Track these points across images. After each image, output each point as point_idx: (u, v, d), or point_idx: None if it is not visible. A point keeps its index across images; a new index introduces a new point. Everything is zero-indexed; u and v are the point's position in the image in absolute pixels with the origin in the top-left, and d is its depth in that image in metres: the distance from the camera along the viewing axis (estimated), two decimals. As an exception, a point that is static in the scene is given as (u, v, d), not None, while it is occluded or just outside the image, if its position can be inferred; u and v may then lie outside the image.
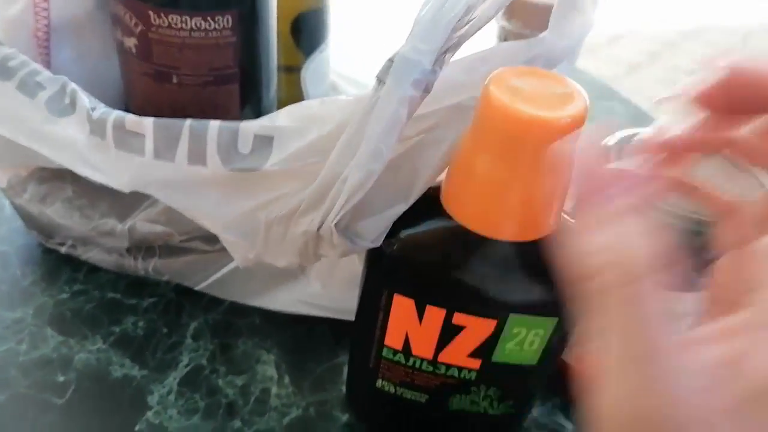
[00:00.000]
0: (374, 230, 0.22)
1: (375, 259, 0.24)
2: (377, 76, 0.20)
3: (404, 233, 0.23)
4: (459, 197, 0.22)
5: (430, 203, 0.23)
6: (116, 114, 0.25)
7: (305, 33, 0.40)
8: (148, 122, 0.25)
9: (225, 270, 0.31)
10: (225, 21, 0.29)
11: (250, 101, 0.32)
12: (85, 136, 0.26)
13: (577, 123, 0.19)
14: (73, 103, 0.27)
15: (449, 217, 0.22)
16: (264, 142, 0.24)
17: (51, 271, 0.36)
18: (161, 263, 0.33)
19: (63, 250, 0.35)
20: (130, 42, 0.29)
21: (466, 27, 0.20)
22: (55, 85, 0.27)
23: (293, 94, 0.40)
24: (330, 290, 0.30)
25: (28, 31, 0.30)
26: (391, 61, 0.20)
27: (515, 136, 0.19)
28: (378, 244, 0.23)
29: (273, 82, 0.34)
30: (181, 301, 0.35)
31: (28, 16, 0.31)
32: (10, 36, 0.30)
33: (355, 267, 0.29)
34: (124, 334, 0.33)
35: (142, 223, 0.30)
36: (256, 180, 0.24)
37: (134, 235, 0.31)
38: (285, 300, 0.31)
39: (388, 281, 0.23)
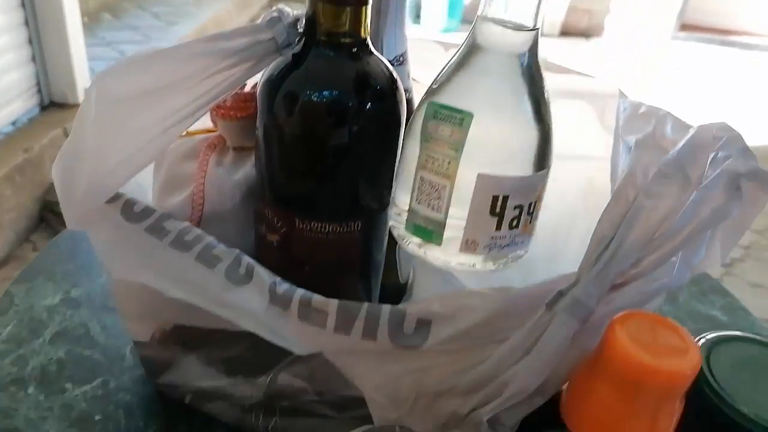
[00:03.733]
0: (513, 419, 0.26)
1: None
2: (546, 304, 0.24)
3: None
4: (578, 412, 0.25)
5: (548, 407, 0.26)
6: (302, 292, 0.29)
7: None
8: (333, 303, 0.28)
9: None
10: (355, 225, 0.34)
11: (364, 282, 0.37)
12: (265, 304, 0.29)
13: (693, 374, 0.22)
14: (249, 274, 0.30)
15: (564, 427, 0.25)
16: (424, 325, 0.28)
17: (169, 422, 0.38)
18: (281, 423, 0.35)
19: (186, 400, 0.39)
20: (273, 237, 0.35)
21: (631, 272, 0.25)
22: (230, 257, 0.31)
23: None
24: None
25: (185, 218, 0.36)
26: (561, 293, 0.24)
27: (636, 381, 0.23)
28: (514, 430, 0.26)
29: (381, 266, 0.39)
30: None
31: (186, 205, 0.37)
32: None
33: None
34: (237, 494, 0.36)
35: (284, 375, 0.33)
36: (408, 355, 0.28)
37: (272, 387, 0.34)
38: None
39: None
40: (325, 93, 0.32)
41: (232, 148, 0.38)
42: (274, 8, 0.34)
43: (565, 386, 0.26)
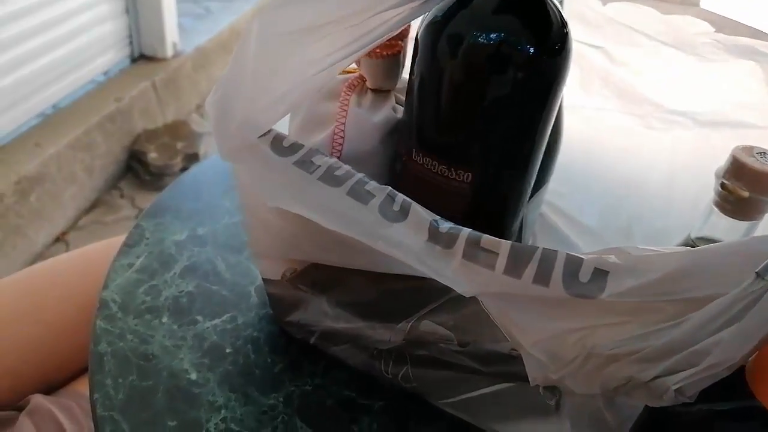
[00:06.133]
0: (696, 388, 0.24)
1: (664, 423, 0.26)
2: (757, 272, 0.23)
3: (701, 405, 0.25)
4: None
5: (732, 376, 0.25)
6: (469, 231, 0.28)
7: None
8: (506, 244, 0.27)
9: (479, 392, 0.34)
10: (466, 176, 0.33)
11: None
12: (422, 242, 0.28)
13: None
14: (405, 211, 0.29)
15: (753, 397, 0.24)
16: (600, 275, 0.26)
17: (294, 361, 0.39)
18: (414, 372, 0.35)
19: (311, 340, 0.39)
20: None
21: None
22: (383, 194, 0.30)
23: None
24: (578, 430, 0.32)
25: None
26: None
27: None
28: (694, 399, 0.25)
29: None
30: (407, 408, 0.38)
31: (327, 144, 0.36)
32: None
33: (600, 410, 0.31)
34: (366, 434, 0.36)
35: (427, 322, 0.33)
36: (579, 307, 0.26)
37: (413, 333, 0.33)
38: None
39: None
40: (492, 36, 0.30)
41: (371, 90, 0.37)
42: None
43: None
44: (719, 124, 0.41)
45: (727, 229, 0.35)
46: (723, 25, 0.37)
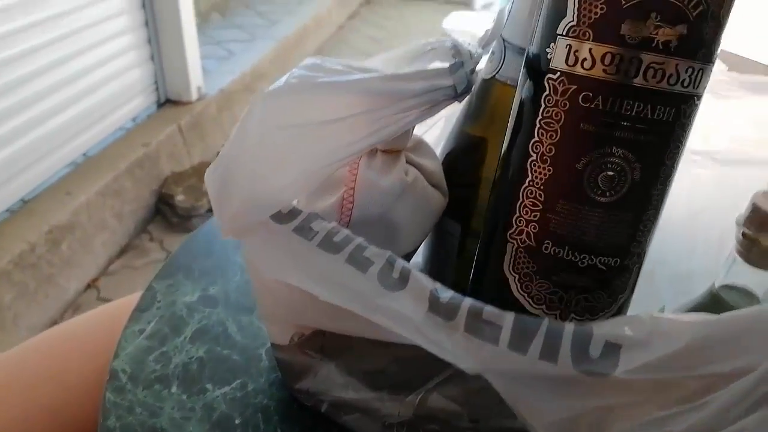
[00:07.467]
0: None
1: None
2: None
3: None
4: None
5: None
6: (471, 302, 0.27)
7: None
8: (509, 316, 0.26)
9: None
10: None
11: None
12: (422, 312, 0.27)
13: None
14: (404, 279, 0.28)
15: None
16: (612, 349, 0.25)
17: (305, 430, 0.39)
18: (427, 443, 0.34)
19: (322, 409, 0.38)
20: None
21: None
22: (382, 260, 0.29)
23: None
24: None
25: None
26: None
27: None
28: None
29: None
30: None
31: (336, 210, 0.36)
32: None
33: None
34: None
35: (437, 397, 0.32)
36: (592, 384, 0.25)
37: (422, 407, 0.32)
38: None
39: None
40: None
41: (381, 151, 0.37)
42: (452, 45, 0.32)
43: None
44: (740, 162, 0.39)
45: (752, 277, 0.33)
46: (736, 63, 0.35)
